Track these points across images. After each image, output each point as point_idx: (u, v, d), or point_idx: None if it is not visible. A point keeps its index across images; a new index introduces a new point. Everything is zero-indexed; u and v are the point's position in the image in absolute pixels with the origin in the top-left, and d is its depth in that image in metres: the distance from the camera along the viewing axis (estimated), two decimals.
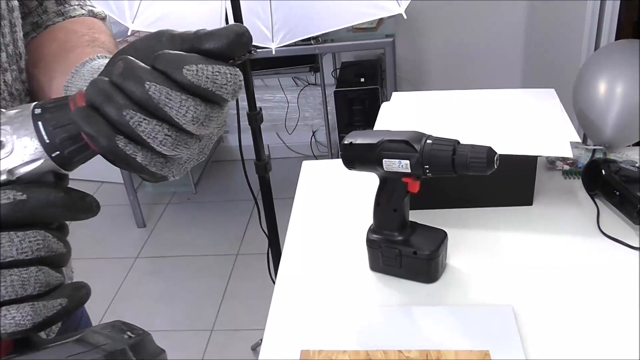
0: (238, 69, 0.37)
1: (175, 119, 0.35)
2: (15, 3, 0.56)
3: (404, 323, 0.76)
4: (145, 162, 0.37)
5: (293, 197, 1.05)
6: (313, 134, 3.03)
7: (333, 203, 1.02)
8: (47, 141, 0.37)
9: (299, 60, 2.58)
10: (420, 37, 2.75)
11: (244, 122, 1.54)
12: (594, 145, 1.08)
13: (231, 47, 0.36)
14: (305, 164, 1.15)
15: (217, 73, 0.36)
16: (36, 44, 0.60)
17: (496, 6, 2.62)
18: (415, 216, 0.83)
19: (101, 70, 0.40)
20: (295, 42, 1.73)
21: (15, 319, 0.35)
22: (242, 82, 0.38)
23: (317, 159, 2.81)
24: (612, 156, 1.05)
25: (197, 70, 0.35)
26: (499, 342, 0.71)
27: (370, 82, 2.48)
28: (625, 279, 0.80)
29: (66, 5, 0.63)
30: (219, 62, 0.36)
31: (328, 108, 2.78)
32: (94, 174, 2.82)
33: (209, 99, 0.36)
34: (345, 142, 0.78)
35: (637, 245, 0.84)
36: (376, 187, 0.81)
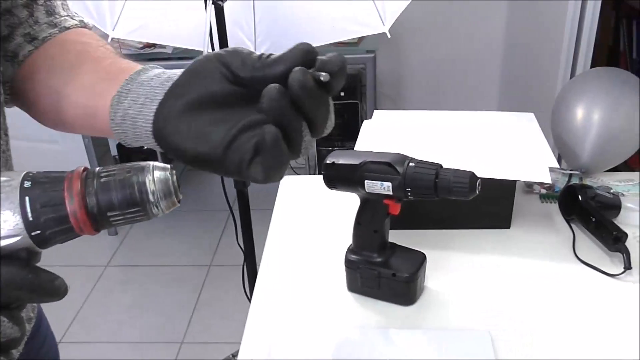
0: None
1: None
2: None
3: (381, 346, 0.75)
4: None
5: (269, 209, 1.04)
6: None
7: (312, 221, 1.01)
8: (31, 219, 0.35)
9: None
10: (401, 54, 2.77)
11: None
12: (570, 170, 1.09)
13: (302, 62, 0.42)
14: (285, 179, 1.14)
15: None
16: (45, 56, 0.58)
17: (476, 25, 2.66)
18: (394, 236, 0.82)
19: (168, 75, 0.47)
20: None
21: None
22: None
23: (294, 171, 2.80)
24: (587, 182, 1.07)
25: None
26: None
27: (350, 96, 2.49)
28: (600, 305, 0.81)
29: (57, 16, 0.61)
30: None
31: None
32: None
33: None
34: (328, 161, 0.77)
35: (612, 272, 0.85)
36: (356, 207, 0.80)
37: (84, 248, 2.55)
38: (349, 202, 0.83)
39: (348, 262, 0.82)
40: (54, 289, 0.36)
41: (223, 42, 1.35)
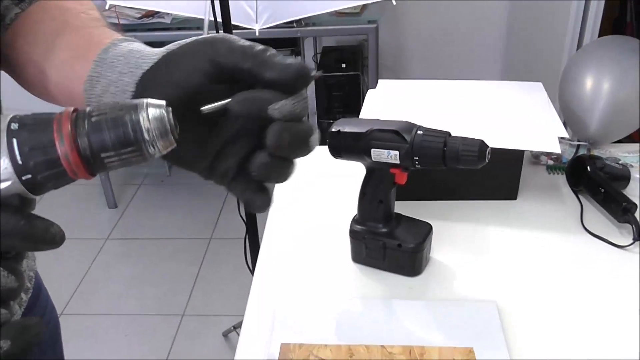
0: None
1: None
2: None
3: (386, 317, 0.74)
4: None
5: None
6: None
7: (316, 192, 1.00)
8: (20, 162, 0.33)
9: (280, 43, 2.53)
10: (403, 25, 2.72)
11: None
12: (578, 141, 1.07)
13: (293, 83, 0.40)
14: None
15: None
16: (28, 22, 0.55)
17: None
18: (399, 207, 0.81)
19: (137, 57, 0.43)
20: (277, 25, 1.69)
21: None
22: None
23: None
24: (596, 153, 1.05)
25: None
26: (483, 339, 0.70)
27: (351, 68, 2.46)
28: (608, 276, 0.80)
29: None
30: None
31: (308, 93, 2.74)
32: None
33: None
34: (333, 130, 0.75)
35: (621, 243, 0.84)
36: (361, 177, 0.79)
37: (84, 221, 2.54)
38: (353, 172, 0.81)
39: (353, 233, 0.81)
40: (50, 237, 0.35)
41: (225, 9, 1.32)
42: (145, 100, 0.36)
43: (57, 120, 0.34)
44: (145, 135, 0.35)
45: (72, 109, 0.35)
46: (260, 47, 0.41)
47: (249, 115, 0.40)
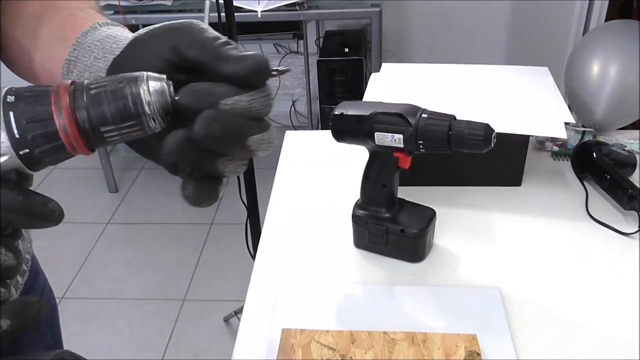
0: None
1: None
2: None
3: (389, 303, 0.73)
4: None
5: (271, 167, 1.01)
6: (293, 104, 2.98)
7: (317, 176, 0.99)
8: (17, 136, 0.32)
9: (282, 26, 2.51)
10: (407, 9, 2.69)
11: None
12: (584, 127, 1.06)
13: (250, 77, 0.37)
14: (289, 134, 1.11)
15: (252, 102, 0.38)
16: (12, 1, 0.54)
17: None
18: (402, 192, 0.80)
19: (111, 42, 0.42)
20: (279, 7, 1.67)
21: None
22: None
23: (296, 130, 2.77)
24: (601, 139, 1.03)
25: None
26: (486, 325, 0.69)
27: (354, 52, 2.43)
28: (613, 264, 0.79)
29: None
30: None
31: (310, 78, 2.73)
32: None
33: None
34: (336, 112, 0.74)
35: (626, 231, 0.83)
36: (364, 161, 0.77)
37: (84, 205, 2.54)
38: (355, 157, 0.80)
39: (355, 218, 0.80)
40: (49, 212, 0.34)
41: None
42: (145, 73, 0.35)
43: (54, 92, 0.33)
44: (146, 108, 0.34)
45: (69, 81, 0.34)
46: (223, 39, 0.39)
47: (197, 110, 0.36)
